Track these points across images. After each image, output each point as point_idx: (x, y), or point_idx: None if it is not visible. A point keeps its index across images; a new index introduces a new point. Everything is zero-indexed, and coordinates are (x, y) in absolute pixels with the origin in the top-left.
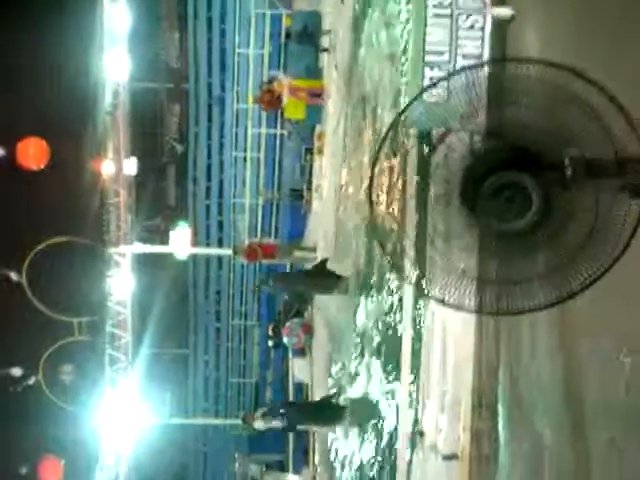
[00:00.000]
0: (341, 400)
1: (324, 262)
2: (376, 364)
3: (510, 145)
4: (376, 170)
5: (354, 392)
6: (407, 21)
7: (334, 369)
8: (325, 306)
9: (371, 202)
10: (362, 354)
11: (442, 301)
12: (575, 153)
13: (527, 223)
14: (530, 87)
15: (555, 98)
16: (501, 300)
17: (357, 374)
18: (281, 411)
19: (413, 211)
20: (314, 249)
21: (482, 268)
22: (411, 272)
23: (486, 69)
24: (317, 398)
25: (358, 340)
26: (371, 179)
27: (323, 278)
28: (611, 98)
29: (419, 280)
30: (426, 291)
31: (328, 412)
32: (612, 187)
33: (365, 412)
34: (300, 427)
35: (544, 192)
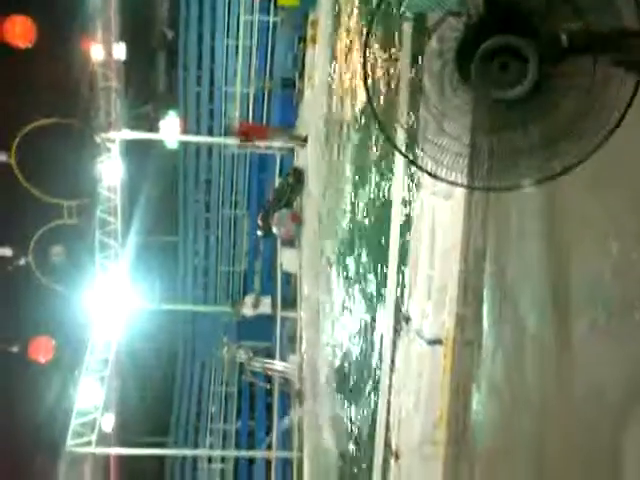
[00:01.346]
0: None
1: None
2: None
3: (507, 13)
4: (371, 38)
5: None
6: None
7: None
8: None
9: (365, 76)
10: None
11: (434, 175)
12: (574, 24)
13: (523, 90)
14: None
15: None
16: (492, 175)
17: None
18: None
19: (407, 82)
20: (305, 139)
21: (474, 141)
22: (403, 141)
23: None
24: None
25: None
26: (365, 46)
27: None
28: None
29: (410, 151)
30: (416, 161)
31: None
32: (608, 61)
33: None
34: None
35: (540, 59)
